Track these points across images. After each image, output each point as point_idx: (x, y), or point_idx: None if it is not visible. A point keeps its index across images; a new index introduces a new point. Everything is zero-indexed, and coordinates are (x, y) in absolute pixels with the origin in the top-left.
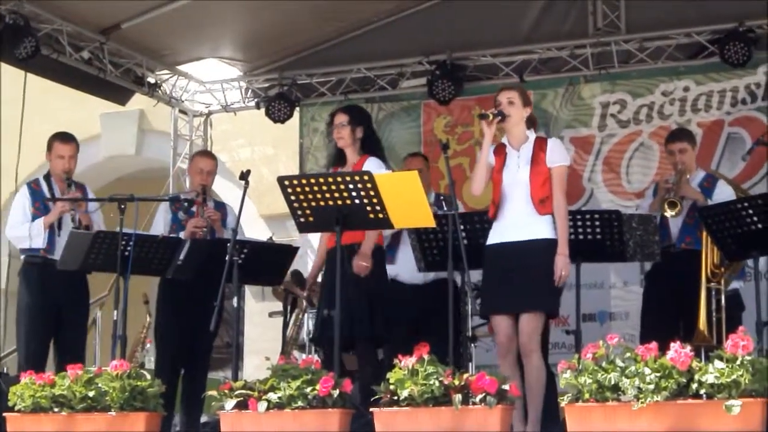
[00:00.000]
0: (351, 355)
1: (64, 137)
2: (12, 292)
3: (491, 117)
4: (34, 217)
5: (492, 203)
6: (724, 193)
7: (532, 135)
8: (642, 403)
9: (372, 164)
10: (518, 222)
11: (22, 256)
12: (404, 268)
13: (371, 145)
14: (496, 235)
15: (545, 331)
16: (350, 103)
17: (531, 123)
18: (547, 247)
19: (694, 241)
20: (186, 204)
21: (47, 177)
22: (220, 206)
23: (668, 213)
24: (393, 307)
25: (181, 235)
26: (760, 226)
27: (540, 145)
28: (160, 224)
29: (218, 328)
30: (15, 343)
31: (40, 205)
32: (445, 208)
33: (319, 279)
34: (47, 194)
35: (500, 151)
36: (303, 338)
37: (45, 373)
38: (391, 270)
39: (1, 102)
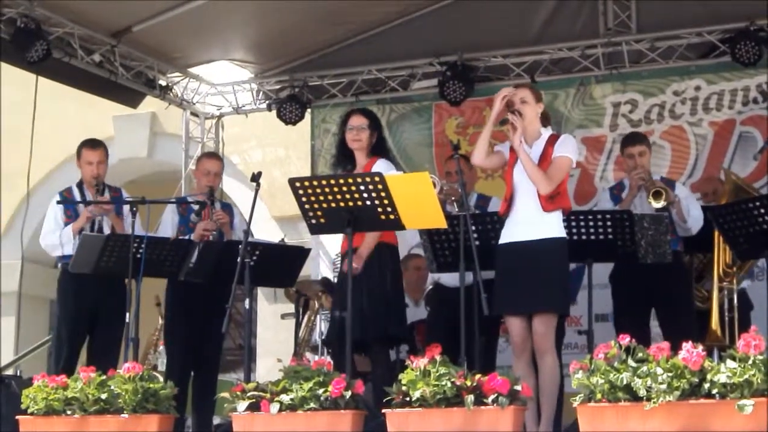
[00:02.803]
0: (363, 357)
1: (92, 143)
2: (24, 294)
3: (513, 116)
4: (66, 225)
5: (504, 200)
6: (683, 192)
7: (546, 132)
8: (654, 403)
9: (381, 166)
10: (527, 220)
11: (59, 264)
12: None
13: (382, 149)
14: (506, 234)
15: (560, 332)
16: (362, 105)
17: (545, 120)
18: (557, 246)
19: None
20: (198, 207)
21: (80, 185)
22: (227, 207)
23: (655, 204)
24: (434, 309)
25: (190, 237)
26: None
27: (552, 141)
28: (168, 226)
29: (228, 330)
30: (28, 346)
31: (72, 213)
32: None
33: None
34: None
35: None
36: (315, 340)
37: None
38: (434, 274)
39: (10, 106)
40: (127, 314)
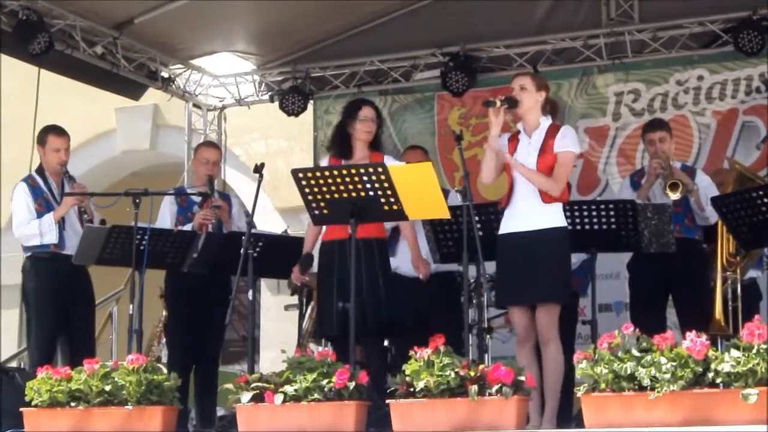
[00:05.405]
0: (357, 347)
1: (58, 130)
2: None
3: (498, 104)
4: (39, 214)
5: (506, 193)
6: (704, 181)
7: (546, 121)
8: (658, 392)
9: (388, 162)
10: (526, 211)
11: (29, 253)
12: (404, 260)
13: (377, 141)
14: (506, 225)
15: (573, 319)
16: (364, 96)
17: (551, 109)
18: (558, 235)
19: (683, 230)
20: (201, 199)
21: (40, 171)
22: (225, 197)
23: (672, 195)
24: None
25: (189, 227)
26: None
27: (552, 132)
28: (166, 217)
29: (231, 321)
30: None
31: (42, 201)
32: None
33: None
34: (45, 189)
35: (514, 138)
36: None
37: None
38: (392, 263)
39: (11, 97)
40: (131, 306)
